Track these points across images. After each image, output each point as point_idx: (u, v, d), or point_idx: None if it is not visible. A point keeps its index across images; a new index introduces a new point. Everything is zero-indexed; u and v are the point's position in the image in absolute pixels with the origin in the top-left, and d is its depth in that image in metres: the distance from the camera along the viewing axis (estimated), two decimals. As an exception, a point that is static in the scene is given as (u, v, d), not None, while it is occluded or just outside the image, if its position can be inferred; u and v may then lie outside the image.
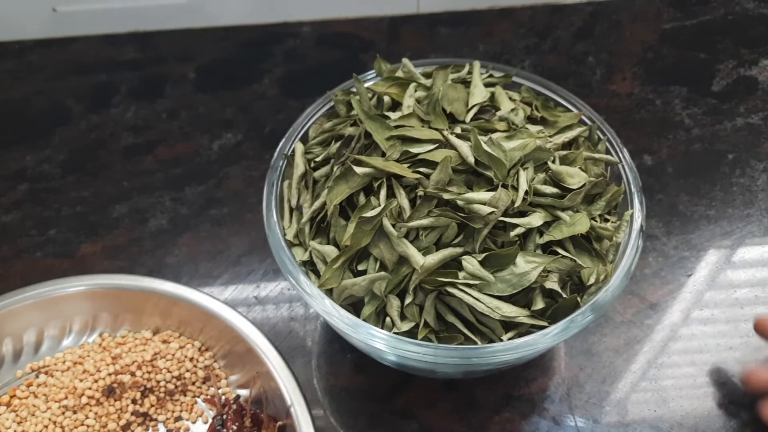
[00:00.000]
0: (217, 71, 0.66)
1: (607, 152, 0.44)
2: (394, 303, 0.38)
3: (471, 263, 0.37)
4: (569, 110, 0.45)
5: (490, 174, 0.38)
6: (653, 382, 0.47)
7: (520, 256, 0.37)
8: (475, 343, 0.37)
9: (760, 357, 0.47)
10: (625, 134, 0.59)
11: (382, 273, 0.38)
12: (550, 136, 0.42)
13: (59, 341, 0.48)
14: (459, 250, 0.37)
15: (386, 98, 0.44)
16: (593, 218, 0.40)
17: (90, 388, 0.45)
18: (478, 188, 0.38)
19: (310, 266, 0.41)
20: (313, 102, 0.46)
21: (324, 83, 0.47)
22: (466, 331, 0.38)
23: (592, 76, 0.64)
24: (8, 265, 0.53)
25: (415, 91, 0.43)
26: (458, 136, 0.40)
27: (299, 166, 0.43)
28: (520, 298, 0.38)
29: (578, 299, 0.38)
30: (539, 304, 0.37)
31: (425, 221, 0.37)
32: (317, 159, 0.43)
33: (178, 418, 0.45)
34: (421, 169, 0.38)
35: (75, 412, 0.44)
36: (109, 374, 0.45)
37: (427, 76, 0.46)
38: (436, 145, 0.39)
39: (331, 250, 0.39)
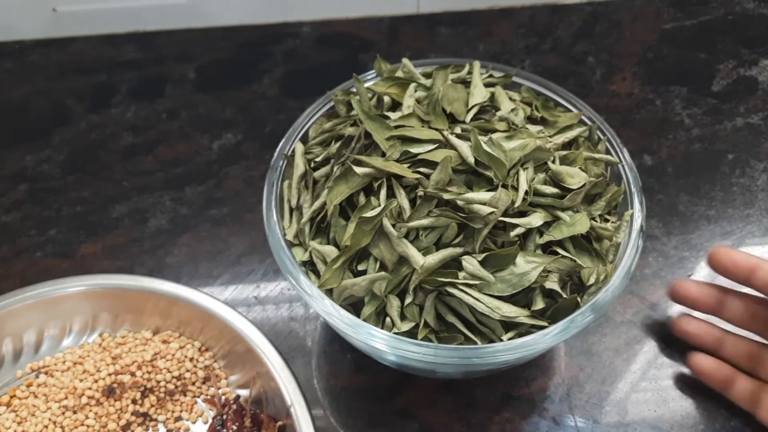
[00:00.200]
0: (217, 71, 0.66)
1: (607, 152, 0.44)
2: (394, 303, 0.38)
3: (471, 263, 0.37)
4: (569, 110, 0.46)
5: (490, 174, 0.38)
6: (653, 382, 0.47)
7: (520, 256, 0.37)
8: (475, 343, 0.37)
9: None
10: (625, 134, 0.59)
11: (382, 273, 0.38)
12: (550, 136, 0.42)
13: (59, 341, 0.48)
14: (459, 250, 0.37)
15: (386, 98, 0.44)
16: (593, 218, 0.40)
17: (90, 388, 0.45)
18: (478, 188, 0.38)
19: (310, 266, 0.41)
20: (313, 102, 0.46)
21: (324, 83, 0.47)
22: (466, 331, 0.38)
23: (592, 76, 0.64)
24: (8, 265, 0.53)
25: (415, 91, 0.43)
26: (458, 136, 0.40)
27: (299, 166, 0.43)
28: (520, 298, 0.38)
29: (578, 299, 0.38)
30: (539, 304, 0.37)
31: (425, 221, 0.37)
32: (317, 159, 0.43)
33: (178, 418, 0.45)
34: (421, 169, 0.38)
35: (75, 412, 0.44)
36: (109, 374, 0.45)
37: (427, 76, 0.46)
38: (436, 145, 0.39)
39: (331, 250, 0.39)
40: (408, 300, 0.38)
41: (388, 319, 0.38)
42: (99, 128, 0.62)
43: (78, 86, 0.65)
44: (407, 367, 0.43)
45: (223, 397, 0.45)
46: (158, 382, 0.46)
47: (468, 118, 0.42)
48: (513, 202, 0.37)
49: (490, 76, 0.46)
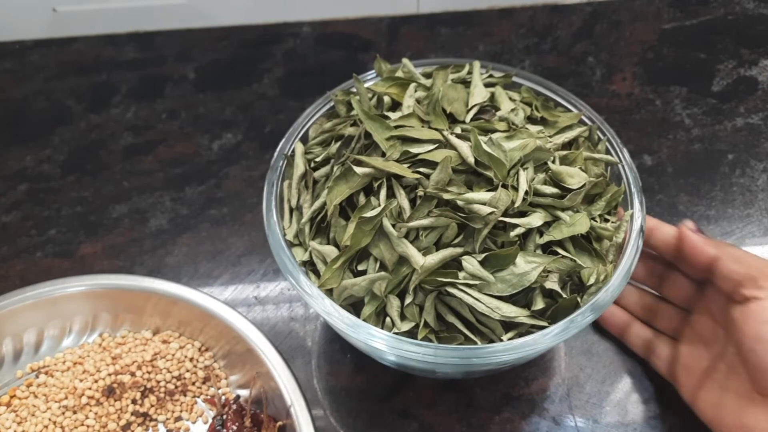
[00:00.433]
0: (217, 71, 0.66)
1: (607, 152, 0.44)
2: (394, 303, 0.38)
3: (471, 263, 0.37)
4: (569, 110, 0.45)
5: (490, 174, 0.38)
6: (654, 382, 0.47)
7: (520, 256, 0.37)
8: (475, 343, 0.37)
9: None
10: (625, 134, 0.59)
11: (382, 273, 0.38)
12: (550, 136, 0.42)
13: (59, 341, 0.48)
14: (459, 250, 0.37)
15: (386, 98, 0.43)
16: (593, 218, 0.40)
17: (90, 388, 0.45)
18: (478, 188, 0.38)
19: (310, 266, 0.41)
20: (313, 102, 0.46)
21: (324, 83, 0.47)
22: (466, 331, 0.38)
23: (592, 76, 0.64)
24: (8, 265, 0.53)
25: (415, 91, 0.43)
26: (458, 136, 0.40)
27: (299, 167, 0.43)
28: (520, 298, 0.38)
29: (578, 299, 0.38)
30: (539, 304, 0.37)
31: (425, 221, 0.37)
32: (317, 159, 0.43)
33: (178, 419, 0.45)
34: (421, 169, 0.38)
35: (75, 412, 0.44)
36: (109, 374, 0.45)
37: (427, 76, 0.46)
38: (436, 145, 0.39)
39: (331, 250, 0.39)
40: (408, 300, 0.38)
41: (388, 319, 0.38)
42: (99, 128, 0.62)
43: (78, 86, 0.65)
44: (407, 367, 0.43)
45: (223, 397, 0.45)
46: (158, 382, 0.46)
47: (468, 118, 0.42)
48: (513, 202, 0.37)
49: (490, 76, 0.46)
